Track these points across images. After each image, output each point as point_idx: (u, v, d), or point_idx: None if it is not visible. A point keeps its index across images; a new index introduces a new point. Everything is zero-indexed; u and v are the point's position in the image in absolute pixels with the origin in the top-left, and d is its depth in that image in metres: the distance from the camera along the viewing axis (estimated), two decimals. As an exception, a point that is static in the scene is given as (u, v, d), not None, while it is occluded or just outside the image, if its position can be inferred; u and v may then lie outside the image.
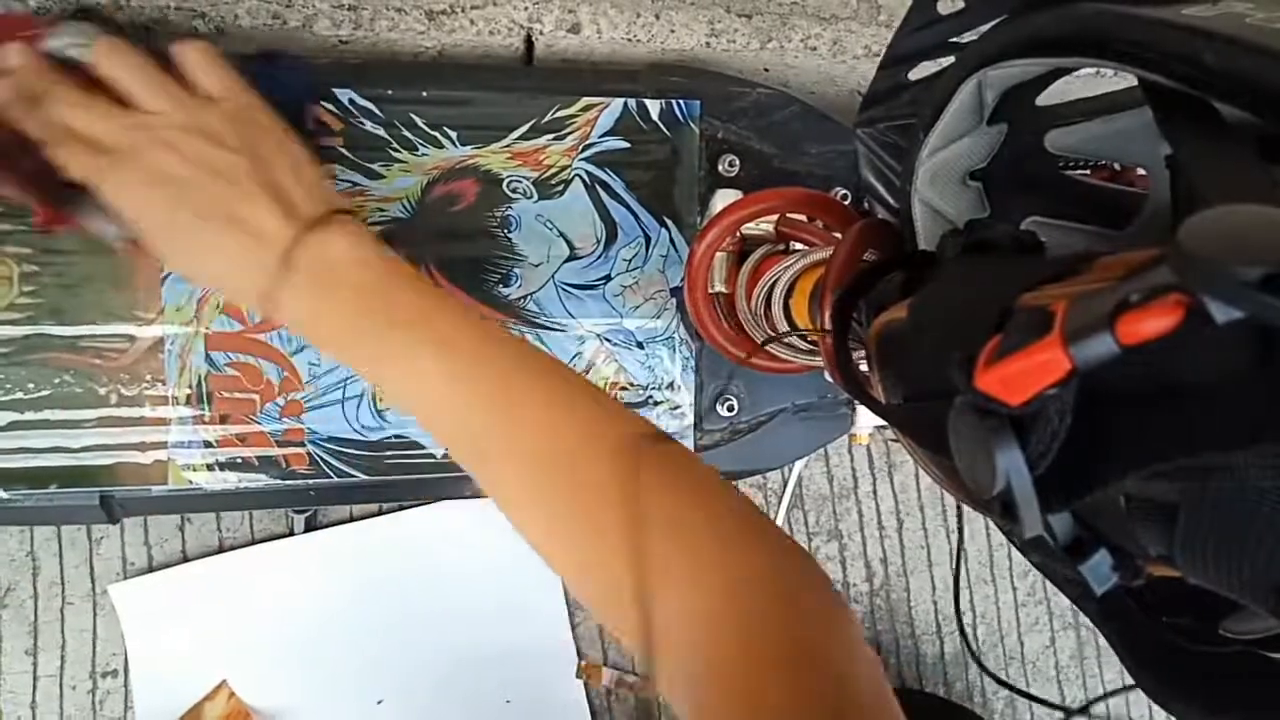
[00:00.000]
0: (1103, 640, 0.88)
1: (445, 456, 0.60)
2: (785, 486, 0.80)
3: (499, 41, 0.60)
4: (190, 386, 0.56)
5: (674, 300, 0.63)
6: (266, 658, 0.69)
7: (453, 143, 0.59)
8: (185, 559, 0.69)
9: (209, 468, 0.57)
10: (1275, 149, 0.22)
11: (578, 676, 0.74)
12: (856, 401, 0.58)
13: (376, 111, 0.57)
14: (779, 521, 0.80)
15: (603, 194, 0.61)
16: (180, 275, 0.38)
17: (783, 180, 0.64)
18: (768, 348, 0.55)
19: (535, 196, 0.60)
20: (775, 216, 0.53)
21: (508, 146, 0.60)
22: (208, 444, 0.56)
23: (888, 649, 0.83)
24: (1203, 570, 0.19)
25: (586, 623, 0.75)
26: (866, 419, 0.71)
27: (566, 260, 0.61)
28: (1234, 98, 0.20)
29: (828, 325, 0.38)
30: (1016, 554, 0.87)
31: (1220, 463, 0.18)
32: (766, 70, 0.67)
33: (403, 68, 0.61)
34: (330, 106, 0.57)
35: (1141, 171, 0.34)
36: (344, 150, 0.57)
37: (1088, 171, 0.41)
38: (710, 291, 0.56)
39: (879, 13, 0.64)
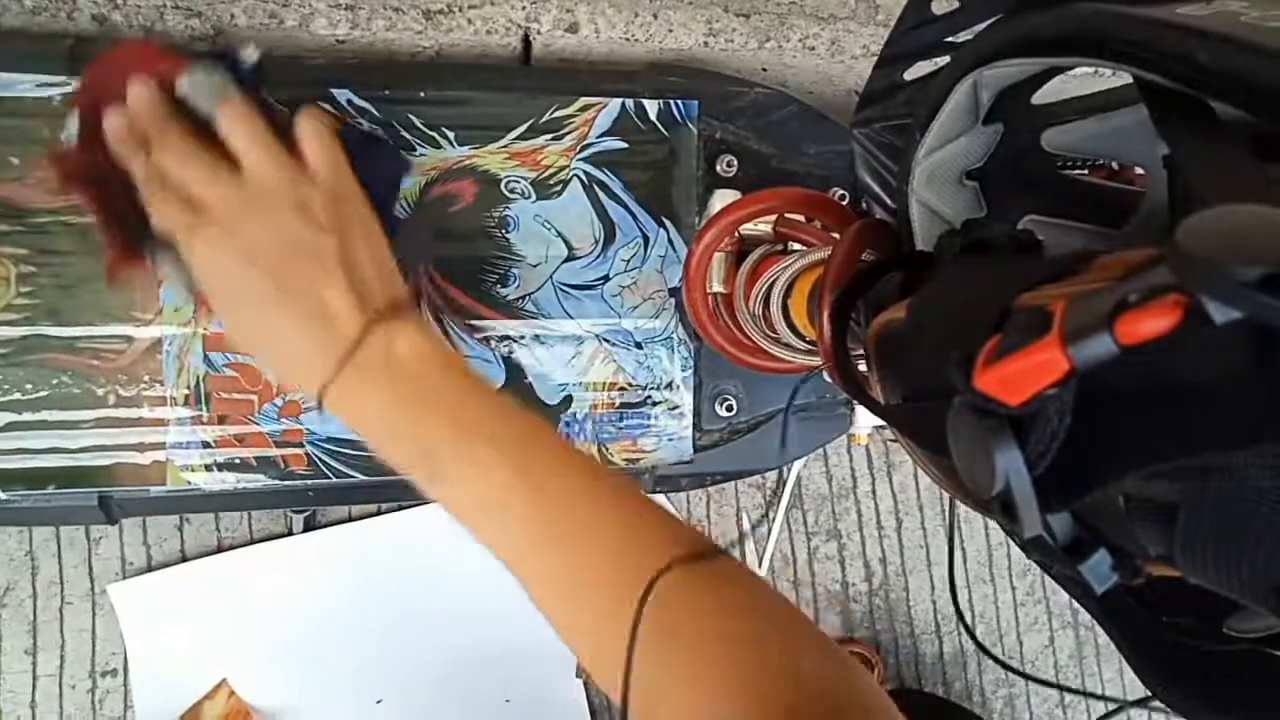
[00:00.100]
0: (1102, 639, 0.88)
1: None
2: (784, 486, 0.80)
3: (496, 41, 0.60)
4: (188, 387, 0.56)
5: (672, 300, 0.63)
6: (266, 657, 0.69)
7: (450, 143, 0.59)
8: (184, 559, 0.69)
9: (207, 468, 0.57)
10: (1270, 147, 0.22)
11: (577, 676, 0.74)
12: (856, 402, 0.58)
13: (374, 111, 0.57)
14: (777, 521, 0.80)
15: (601, 194, 0.61)
16: (242, 348, 0.38)
17: (781, 180, 0.64)
18: (766, 347, 0.55)
19: (533, 197, 0.60)
20: (773, 217, 0.53)
21: (505, 147, 0.60)
22: (206, 444, 0.56)
23: (887, 649, 0.83)
24: (1202, 570, 0.19)
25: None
26: (865, 419, 0.71)
27: (565, 260, 0.61)
28: (1229, 96, 0.20)
29: (826, 325, 0.38)
30: (1015, 553, 0.87)
31: (1220, 463, 0.18)
32: (764, 70, 0.67)
33: (400, 67, 0.61)
34: (328, 107, 0.57)
35: (1139, 170, 0.34)
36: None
37: (1085, 170, 0.41)
38: (708, 292, 0.56)
39: (877, 12, 0.64)
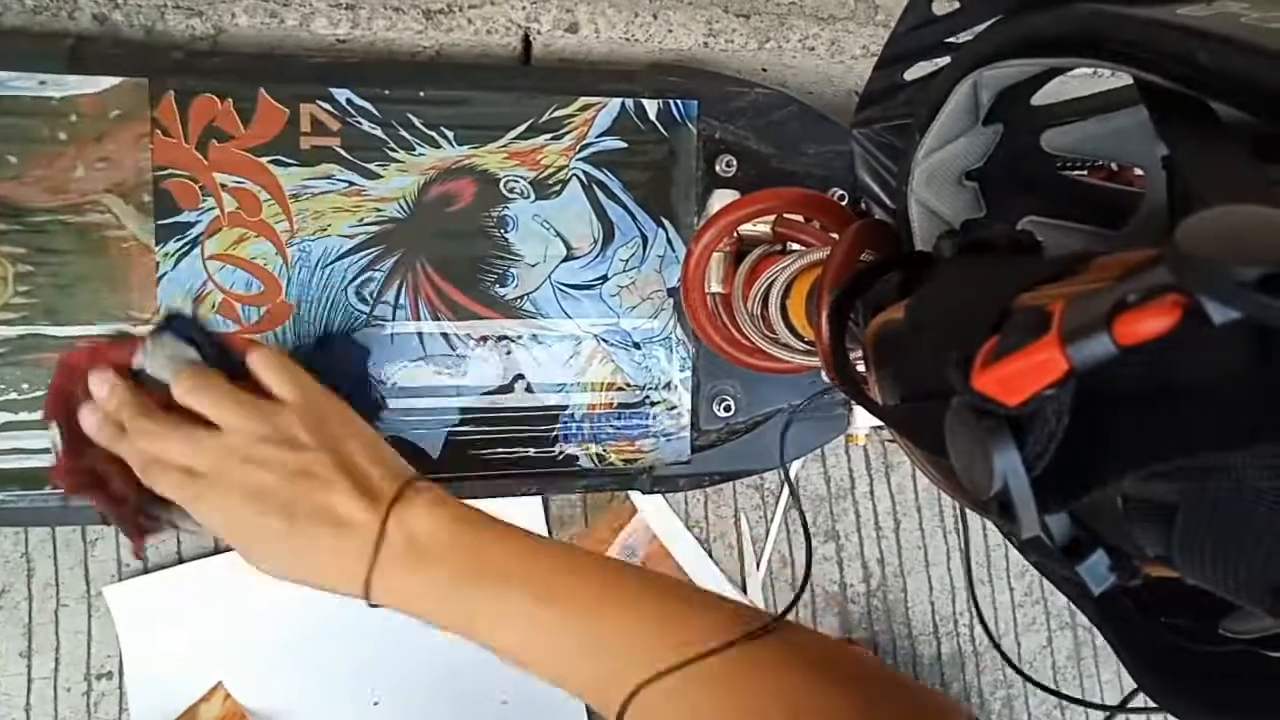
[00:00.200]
0: (1099, 640, 0.88)
1: (442, 457, 0.60)
2: (783, 487, 0.80)
3: (497, 41, 0.60)
4: (186, 387, 0.55)
5: (671, 301, 0.63)
6: (262, 659, 0.69)
7: (450, 142, 0.59)
8: (180, 560, 0.69)
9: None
10: (1271, 148, 0.22)
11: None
12: (854, 402, 0.58)
13: (374, 111, 0.57)
14: (775, 522, 0.80)
15: (600, 194, 0.61)
16: (279, 578, 0.41)
17: (780, 180, 0.64)
18: (764, 348, 0.55)
19: (532, 196, 0.60)
20: (772, 217, 0.53)
21: (505, 146, 0.60)
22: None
23: (884, 650, 0.83)
24: (1200, 570, 0.19)
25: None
26: (863, 419, 0.71)
27: (563, 260, 0.61)
28: (1229, 97, 0.20)
29: (825, 325, 0.38)
30: (1013, 554, 0.87)
31: (1218, 463, 0.18)
32: (764, 70, 0.67)
33: (400, 67, 0.61)
34: (328, 106, 0.57)
35: (1139, 171, 0.34)
36: (341, 150, 0.57)
37: (1084, 171, 0.41)
38: (707, 292, 0.56)
39: (876, 13, 0.64)
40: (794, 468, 0.80)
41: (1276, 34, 0.19)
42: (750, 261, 0.55)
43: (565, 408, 0.62)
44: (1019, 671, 0.40)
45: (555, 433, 0.62)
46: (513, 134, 0.60)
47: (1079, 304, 0.18)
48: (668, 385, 0.64)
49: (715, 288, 0.56)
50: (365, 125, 0.57)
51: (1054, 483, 0.20)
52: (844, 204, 0.63)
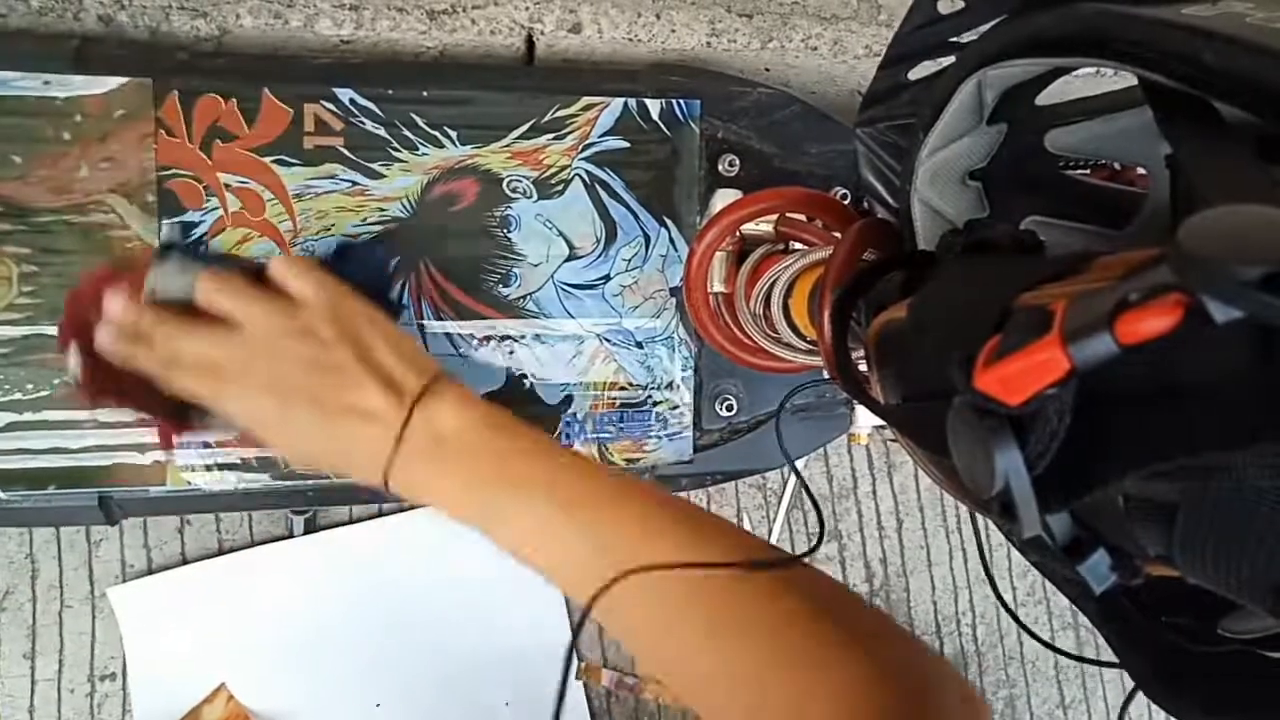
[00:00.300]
0: (1102, 640, 0.88)
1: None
2: (785, 486, 0.80)
3: (500, 41, 0.60)
4: (190, 386, 0.56)
5: (673, 300, 0.63)
6: (265, 660, 0.69)
7: (453, 142, 0.59)
8: (184, 561, 0.69)
9: (207, 468, 0.57)
10: (1274, 148, 0.22)
11: (578, 678, 0.74)
12: (856, 401, 0.58)
13: (377, 111, 0.57)
14: (778, 521, 0.80)
15: (602, 193, 0.61)
16: (305, 465, 0.41)
17: (783, 180, 0.64)
18: (767, 347, 0.55)
19: (535, 196, 0.60)
20: (775, 216, 0.53)
21: (508, 146, 0.60)
22: (206, 445, 0.56)
23: (887, 649, 0.83)
24: (1201, 570, 0.19)
25: (586, 624, 0.75)
26: (865, 419, 0.71)
27: (566, 260, 0.61)
28: (1234, 97, 0.20)
29: (827, 324, 0.38)
30: (1015, 554, 0.87)
31: (1219, 462, 0.18)
32: (767, 70, 0.67)
33: (404, 67, 0.61)
34: (331, 106, 0.57)
35: (1141, 171, 0.34)
36: (345, 150, 0.57)
37: (1088, 171, 0.41)
38: (710, 291, 0.56)
39: (879, 12, 0.64)
40: (796, 466, 0.80)
41: (1280, 33, 0.19)
42: (753, 261, 0.55)
43: (568, 407, 0.62)
44: (1045, 643, 0.40)
45: (558, 432, 0.63)
46: (516, 134, 0.60)
47: (1081, 303, 0.18)
48: (670, 385, 0.64)
49: (718, 287, 0.56)
50: (369, 125, 0.57)
51: (1055, 482, 0.20)
52: (846, 203, 0.63)
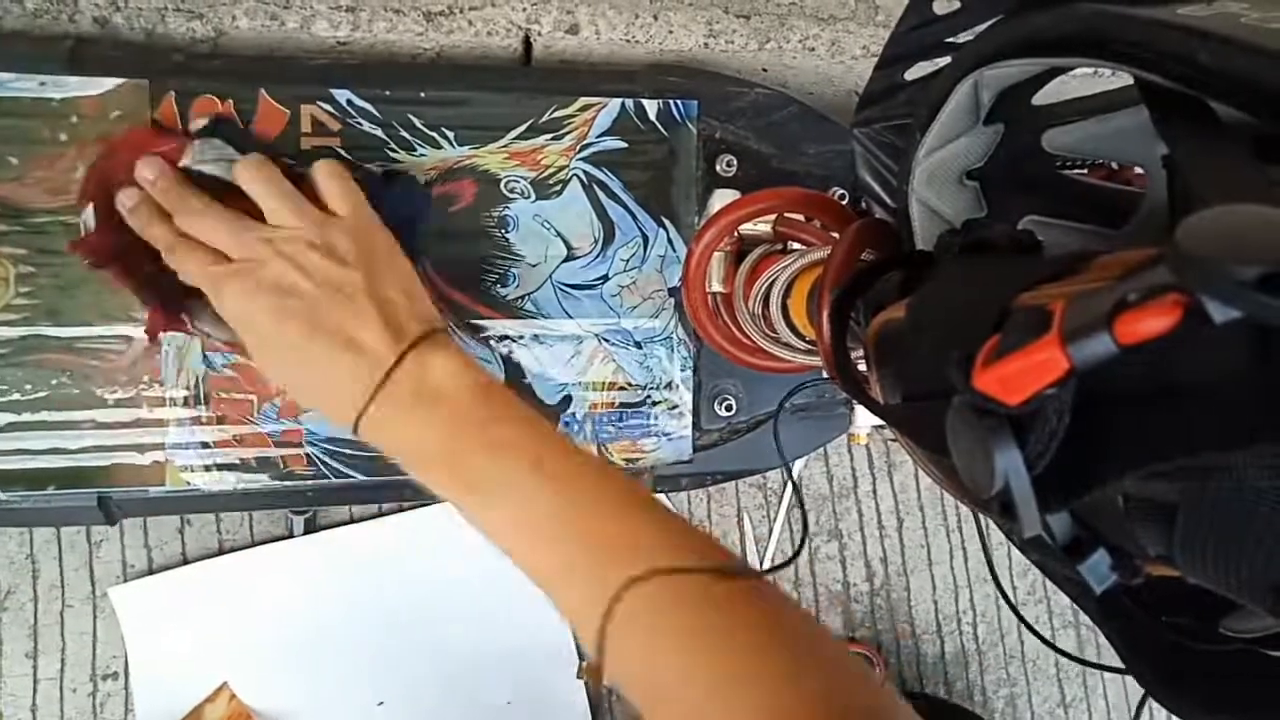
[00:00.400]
0: (1102, 640, 0.88)
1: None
2: (785, 486, 0.80)
3: (497, 42, 0.60)
4: (188, 387, 0.56)
5: (672, 300, 0.63)
6: (267, 660, 0.69)
7: (450, 143, 0.59)
8: (185, 561, 0.69)
9: (207, 469, 0.57)
10: (1271, 148, 0.22)
11: (578, 677, 0.74)
12: (855, 401, 0.58)
13: (374, 112, 0.57)
14: (778, 521, 0.80)
15: (600, 194, 0.61)
16: (279, 385, 0.40)
17: (781, 180, 0.64)
18: (766, 347, 0.55)
19: (533, 196, 0.60)
20: (773, 216, 0.53)
21: (505, 147, 0.60)
22: (205, 445, 0.56)
23: (888, 649, 0.83)
24: (1201, 570, 0.19)
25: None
26: (865, 419, 0.71)
27: (564, 260, 0.61)
28: (1229, 97, 0.20)
29: (826, 324, 0.38)
30: (1016, 553, 0.87)
31: (1219, 463, 0.18)
32: (764, 70, 0.67)
33: (401, 68, 0.61)
34: (328, 107, 0.57)
35: (1139, 170, 0.34)
36: (342, 150, 0.57)
37: (1085, 170, 0.41)
38: (708, 291, 0.56)
39: (877, 13, 0.64)
40: (796, 467, 0.80)
41: (1276, 34, 0.19)
42: (751, 261, 0.56)
43: (567, 407, 0.62)
44: (1047, 642, 0.40)
45: (557, 433, 0.63)
46: (513, 134, 0.60)
47: (1080, 303, 0.18)
48: (669, 385, 0.64)
49: (716, 287, 0.56)
50: (365, 126, 0.57)
51: (1055, 482, 0.20)
52: (845, 203, 0.63)
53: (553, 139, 0.60)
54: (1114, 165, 0.42)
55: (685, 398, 0.64)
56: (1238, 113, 0.20)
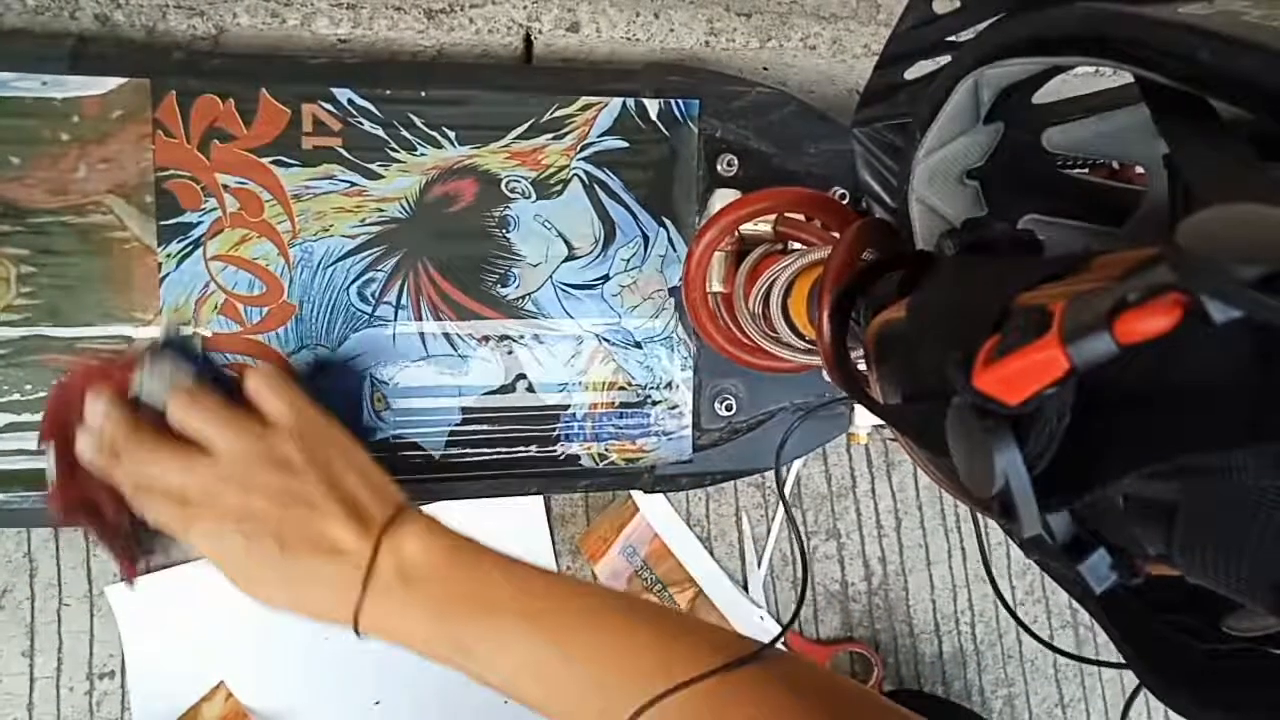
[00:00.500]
0: (1102, 638, 0.88)
1: (444, 456, 0.60)
2: (785, 487, 0.80)
3: (498, 40, 0.60)
4: (188, 387, 0.56)
5: (672, 300, 0.63)
6: (264, 659, 0.69)
7: (451, 142, 0.59)
8: (183, 560, 0.69)
9: (207, 468, 0.56)
10: (1272, 147, 0.22)
11: None
12: (855, 401, 0.58)
13: (375, 111, 0.57)
14: (777, 520, 0.80)
15: (601, 194, 0.61)
16: (270, 606, 0.40)
17: (781, 179, 0.64)
18: (766, 347, 0.55)
19: (534, 196, 0.60)
20: (773, 216, 0.53)
21: (506, 146, 0.60)
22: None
23: (886, 648, 0.83)
24: (1202, 569, 0.19)
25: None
26: (864, 418, 0.71)
27: (565, 260, 0.61)
28: (1231, 96, 0.20)
29: (826, 324, 0.38)
30: (1015, 552, 0.87)
31: (1219, 462, 0.18)
32: (765, 69, 0.67)
33: (401, 67, 0.61)
34: (329, 106, 0.57)
35: (1140, 169, 0.34)
36: (342, 150, 0.57)
37: (1086, 169, 0.41)
38: (709, 291, 0.56)
39: (878, 11, 0.64)
40: (795, 467, 0.80)
41: (1278, 32, 0.19)
42: (751, 261, 0.55)
43: (567, 407, 0.62)
44: (1044, 642, 0.40)
45: (557, 432, 0.63)
46: (514, 134, 0.60)
47: (1080, 303, 0.18)
48: (669, 384, 0.64)
49: (716, 287, 0.56)
50: (367, 125, 0.57)
51: (1055, 482, 0.20)
52: (845, 203, 0.63)
53: (554, 138, 0.60)
54: (1115, 164, 0.42)
55: (685, 397, 0.64)
56: (1239, 111, 0.20)
